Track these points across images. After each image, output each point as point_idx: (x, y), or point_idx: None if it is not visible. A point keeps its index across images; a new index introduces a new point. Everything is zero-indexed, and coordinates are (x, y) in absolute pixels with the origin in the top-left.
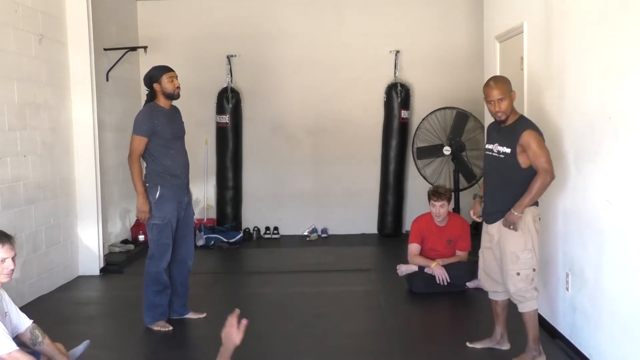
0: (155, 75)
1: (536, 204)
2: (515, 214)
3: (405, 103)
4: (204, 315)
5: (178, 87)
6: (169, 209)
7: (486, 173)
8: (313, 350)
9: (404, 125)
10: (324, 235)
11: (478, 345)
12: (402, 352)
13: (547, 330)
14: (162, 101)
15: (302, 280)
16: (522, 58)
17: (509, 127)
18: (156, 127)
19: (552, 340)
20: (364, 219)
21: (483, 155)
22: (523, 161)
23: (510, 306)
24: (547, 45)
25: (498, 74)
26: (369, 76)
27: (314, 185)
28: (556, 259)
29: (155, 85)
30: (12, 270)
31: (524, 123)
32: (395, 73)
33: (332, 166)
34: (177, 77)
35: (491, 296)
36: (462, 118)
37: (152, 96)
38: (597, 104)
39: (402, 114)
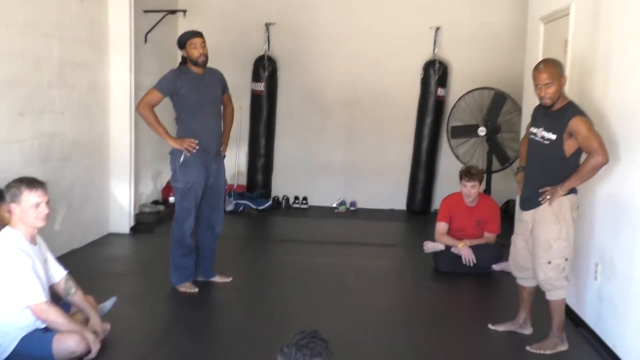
0: (181, 41)
1: (575, 191)
2: (559, 190)
3: (443, 81)
4: (230, 279)
5: (202, 54)
6: (193, 173)
7: (528, 158)
8: (334, 320)
9: (440, 103)
10: (352, 208)
11: (500, 328)
12: (423, 328)
13: (572, 318)
14: (191, 66)
15: (328, 251)
16: (566, 41)
17: (557, 113)
18: (179, 89)
19: (576, 329)
20: (393, 194)
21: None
22: (568, 148)
23: (537, 292)
24: (594, 29)
25: (540, 56)
26: (407, 51)
27: (345, 157)
28: (587, 248)
29: (182, 51)
30: (47, 214)
31: (573, 109)
32: (434, 50)
33: (364, 140)
34: (202, 43)
35: (519, 281)
36: (499, 99)
37: (185, 59)
38: None
39: (439, 91)
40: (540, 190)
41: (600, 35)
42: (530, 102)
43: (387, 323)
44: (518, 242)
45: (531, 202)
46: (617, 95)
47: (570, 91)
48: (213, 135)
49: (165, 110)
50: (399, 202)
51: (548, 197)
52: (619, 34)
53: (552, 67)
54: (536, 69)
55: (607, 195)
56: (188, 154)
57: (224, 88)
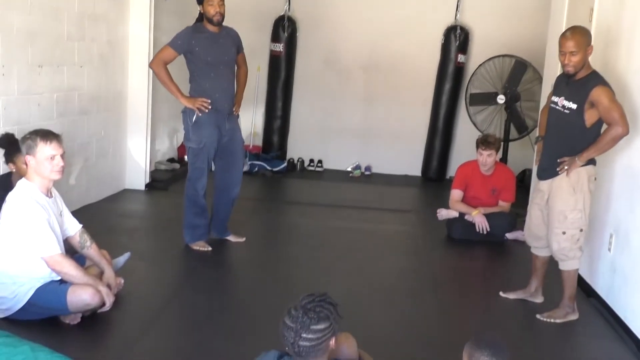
0: None
1: (594, 162)
2: (577, 160)
3: (463, 47)
4: (244, 239)
5: (218, 13)
6: (205, 133)
7: (547, 127)
8: (345, 283)
9: (460, 69)
10: (367, 172)
11: (511, 296)
12: (434, 294)
13: (584, 288)
14: (207, 24)
15: (341, 214)
16: (591, 9)
17: (579, 82)
18: (193, 48)
19: (587, 299)
20: (408, 160)
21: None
22: (588, 118)
23: (550, 262)
24: None
25: (564, 24)
26: (429, 16)
27: (361, 121)
28: (602, 219)
29: (200, 7)
30: (63, 167)
31: (596, 78)
32: (456, 15)
33: (381, 104)
34: (220, 2)
35: (533, 250)
36: (520, 67)
37: (201, 17)
38: None
39: (459, 58)
40: (558, 161)
41: (626, 5)
42: (551, 71)
43: (398, 288)
44: (534, 212)
45: (548, 172)
46: None
47: (593, 60)
48: (226, 95)
49: (180, 70)
50: (414, 168)
51: (566, 167)
52: None
53: (579, 36)
54: (563, 35)
55: (626, 166)
56: (200, 114)
57: (239, 48)
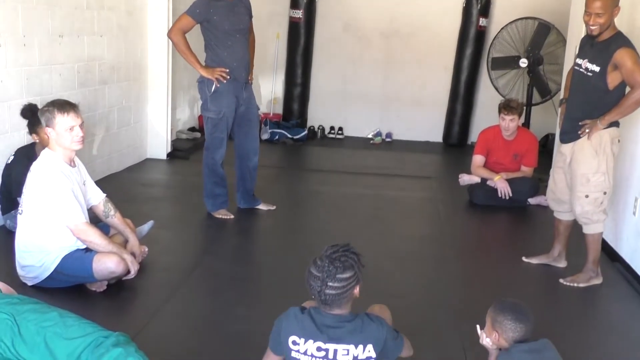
0: None
1: (617, 125)
2: (598, 123)
3: (485, 10)
4: (274, 207)
5: None
6: (224, 103)
7: (570, 89)
8: (368, 250)
9: (481, 33)
10: (387, 139)
11: (534, 261)
12: (456, 259)
13: (608, 253)
14: None
15: (362, 182)
16: None
17: (603, 43)
18: (211, 17)
19: (612, 263)
20: (429, 126)
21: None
22: (611, 81)
23: (574, 226)
24: None
25: None
26: None
27: (382, 88)
28: (627, 182)
29: None
30: (82, 137)
31: (620, 40)
32: None
33: (402, 70)
34: None
35: (556, 215)
36: (543, 30)
37: None
38: None
39: (480, 21)
40: (580, 123)
41: None
42: (576, 33)
43: (420, 254)
44: (556, 175)
45: (571, 134)
46: None
47: (620, 21)
48: (242, 63)
49: (195, 38)
50: (436, 134)
51: (587, 130)
52: None
53: None
54: None
55: None
56: (218, 85)
57: (250, 15)
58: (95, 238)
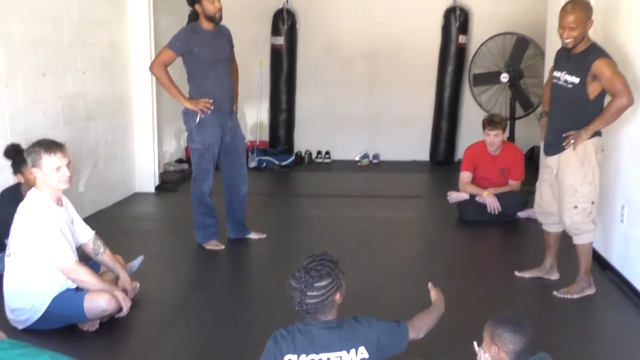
0: None
1: (599, 134)
2: (583, 134)
3: (464, 28)
4: (265, 235)
5: (220, 10)
6: (209, 133)
7: (551, 102)
8: (361, 272)
9: (461, 50)
10: (375, 160)
11: (527, 275)
12: (449, 278)
13: (599, 262)
14: (204, 23)
15: (352, 204)
16: None
17: (580, 55)
18: (192, 49)
19: (603, 272)
20: (416, 145)
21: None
22: (592, 91)
23: (563, 237)
24: None
25: None
26: None
27: (367, 109)
28: (613, 191)
29: (197, 6)
30: (70, 176)
31: (596, 51)
32: None
33: (385, 91)
34: None
35: (545, 227)
36: (521, 44)
37: (194, 16)
38: None
39: (460, 39)
40: (564, 135)
41: None
42: (553, 46)
43: (413, 273)
44: (543, 188)
45: (555, 146)
46: None
47: (594, 33)
48: (226, 93)
49: (176, 70)
50: (422, 152)
51: (572, 141)
52: None
53: (580, 10)
54: (563, 9)
55: (633, 136)
56: (202, 115)
57: (231, 45)
58: (86, 277)
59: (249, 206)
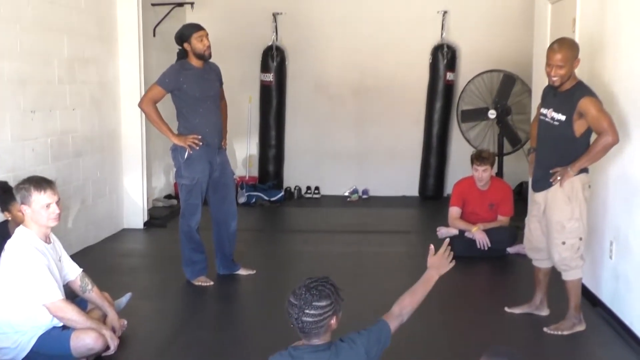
0: (185, 34)
1: (586, 171)
2: (569, 170)
3: (451, 65)
4: (254, 271)
5: (208, 47)
6: (198, 169)
7: (538, 139)
8: (352, 308)
9: (449, 87)
10: (364, 196)
11: (517, 311)
12: (440, 312)
13: (589, 298)
14: (193, 60)
15: (342, 240)
16: (574, 20)
17: (566, 93)
18: (182, 85)
19: (593, 308)
20: (405, 180)
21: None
22: (578, 129)
23: (552, 273)
24: (601, 7)
25: (549, 36)
26: (415, 36)
27: (355, 145)
28: (601, 227)
29: (186, 45)
30: (59, 214)
31: (583, 89)
32: (442, 34)
33: (374, 126)
34: (207, 36)
35: (534, 263)
36: (509, 81)
37: (183, 54)
38: None
39: (448, 75)
40: (550, 172)
41: (608, 13)
42: (540, 83)
43: None
44: (532, 224)
45: (542, 183)
46: (627, 73)
47: (580, 70)
48: (215, 129)
49: (166, 106)
50: (411, 188)
51: (559, 178)
52: (628, 10)
53: (567, 50)
54: (551, 48)
55: (620, 173)
56: (191, 151)
57: (220, 81)
58: (73, 315)
59: (238, 242)
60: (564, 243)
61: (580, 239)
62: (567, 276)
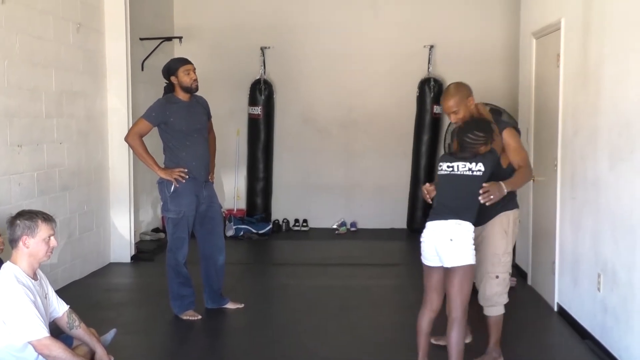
0: (172, 68)
1: (518, 206)
2: (504, 188)
3: (438, 98)
4: (242, 305)
5: (195, 80)
6: (184, 202)
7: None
8: (341, 342)
9: (436, 120)
10: (352, 229)
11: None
12: (430, 347)
13: (577, 330)
14: (180, 94)
15: (330, 273)
16: (558, 55)
17: None
18: (168, 119)
19: (582, 341)
20: (393, 213)
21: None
22: (504, 161)
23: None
24: (585, 43)
25: (534, 71)
26: (402, 70)
27: (344, 178)
28: (588, 259)
29: (173, 78)
30: (54, 247)
31: (496, 122)
32: (428, 68)
33: (362, 159)
34: (194, 69)
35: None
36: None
37: (170, 88)
38: (635, 102)
39: (435, 109)
40: (480, 192)
41: (592, 48)
42: (526, 116)
43: (393, 342)
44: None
45: (480, 219)
46: (610, 107)
47: (564, 104)
48: (202, 162)
49: (153, 140)
50: (400, 220)
51: (491, 196)
52: (610, 46)
53: (453, 94)
54: (441, 99)
55: (606, 206)
56: (177, 185)
57: (208, 115)
58: (59, 352)
59: (226, 275)
60: (497, 277)
61: (509, 273)
62: (491, 312)
